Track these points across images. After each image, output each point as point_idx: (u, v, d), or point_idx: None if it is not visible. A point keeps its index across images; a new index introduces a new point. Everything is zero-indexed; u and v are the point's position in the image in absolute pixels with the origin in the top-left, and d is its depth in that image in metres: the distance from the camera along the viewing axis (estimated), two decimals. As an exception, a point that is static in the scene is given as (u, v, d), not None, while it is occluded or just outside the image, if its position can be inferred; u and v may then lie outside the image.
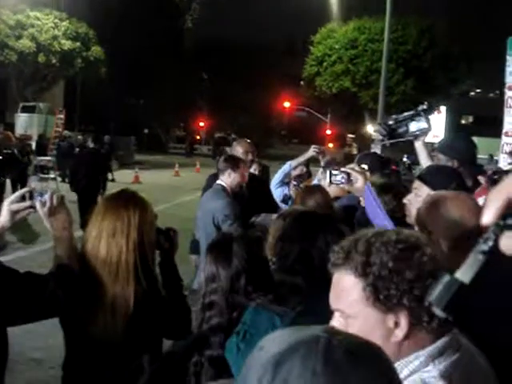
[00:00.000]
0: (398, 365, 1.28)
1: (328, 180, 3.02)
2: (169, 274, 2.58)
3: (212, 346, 2.22)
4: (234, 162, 5.11)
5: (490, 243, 0.98)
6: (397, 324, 1.29)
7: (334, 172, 2.97)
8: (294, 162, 6.04)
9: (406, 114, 3.47)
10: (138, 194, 2.47)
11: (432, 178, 2.90)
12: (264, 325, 2.06)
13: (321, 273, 2.16)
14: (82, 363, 2.42)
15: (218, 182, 5.15)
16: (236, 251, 2.27)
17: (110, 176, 17.66)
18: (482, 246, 0.98)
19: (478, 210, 1.94)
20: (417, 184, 2.89)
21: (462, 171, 3.54)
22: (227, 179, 5.04)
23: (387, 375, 0.93)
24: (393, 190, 3.65)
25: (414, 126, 3.42)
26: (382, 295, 1.29)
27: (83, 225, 13.57)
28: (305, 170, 6.30)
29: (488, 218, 0.97)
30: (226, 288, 2.24)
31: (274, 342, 0.94)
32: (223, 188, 5.05)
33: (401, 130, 3.40)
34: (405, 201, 2.90)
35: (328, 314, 1.42)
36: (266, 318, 2.08)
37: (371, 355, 0.93)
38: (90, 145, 13.97)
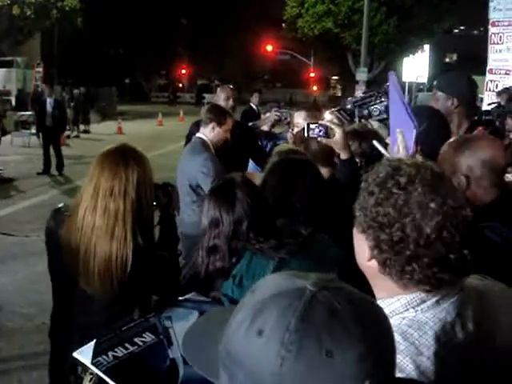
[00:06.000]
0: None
1: (306, 133, 2.88)
2: (166, 229, 2.56)
3: (215, 289, 2.22)
4: (220, 115, 4.53)
5: None
6: (369, 248, 1.32)
7: (311, 126, 2.85)
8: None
9: (364, 95, 3.29)
10: (136, 149, 2.36)
11: None
12: (257, 270, 2.07)
13: (304, 218, 2.18)
14: (72, 318, 2.40)
15: (198, 134, 4.56)
16: (239, 196, 2.22)
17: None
18: None
19: None
20: None
21: (460, 110, 3.50)
22: (210, 133, 4.49)
23: (372, 345, 0.82)
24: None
25: (376, 111, 3.28)
26: (359, 218, 1.34)
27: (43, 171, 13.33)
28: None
29: None
30: (228, 233, 2.21)
31: (265, 286, 0.90)
32: (203, 142, 4.49)
33: (363, 113, 3.28)
34: (387, 141, 2.79)
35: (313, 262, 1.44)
36: (260, 263, 2.09)
37: (357, 317, 0.83)
38: (47, 98, 14.39)
